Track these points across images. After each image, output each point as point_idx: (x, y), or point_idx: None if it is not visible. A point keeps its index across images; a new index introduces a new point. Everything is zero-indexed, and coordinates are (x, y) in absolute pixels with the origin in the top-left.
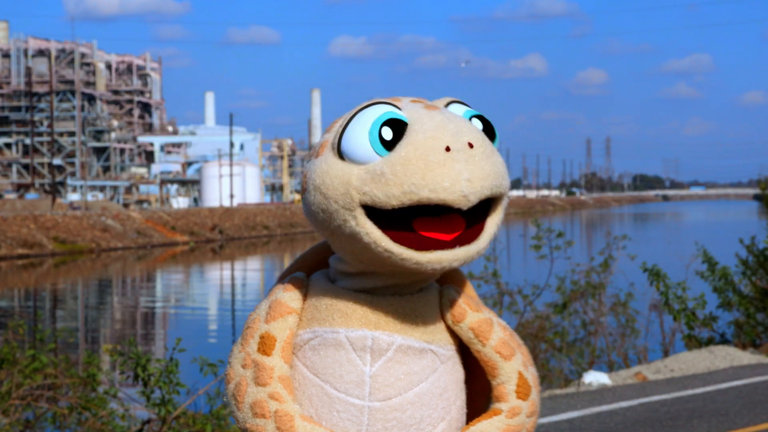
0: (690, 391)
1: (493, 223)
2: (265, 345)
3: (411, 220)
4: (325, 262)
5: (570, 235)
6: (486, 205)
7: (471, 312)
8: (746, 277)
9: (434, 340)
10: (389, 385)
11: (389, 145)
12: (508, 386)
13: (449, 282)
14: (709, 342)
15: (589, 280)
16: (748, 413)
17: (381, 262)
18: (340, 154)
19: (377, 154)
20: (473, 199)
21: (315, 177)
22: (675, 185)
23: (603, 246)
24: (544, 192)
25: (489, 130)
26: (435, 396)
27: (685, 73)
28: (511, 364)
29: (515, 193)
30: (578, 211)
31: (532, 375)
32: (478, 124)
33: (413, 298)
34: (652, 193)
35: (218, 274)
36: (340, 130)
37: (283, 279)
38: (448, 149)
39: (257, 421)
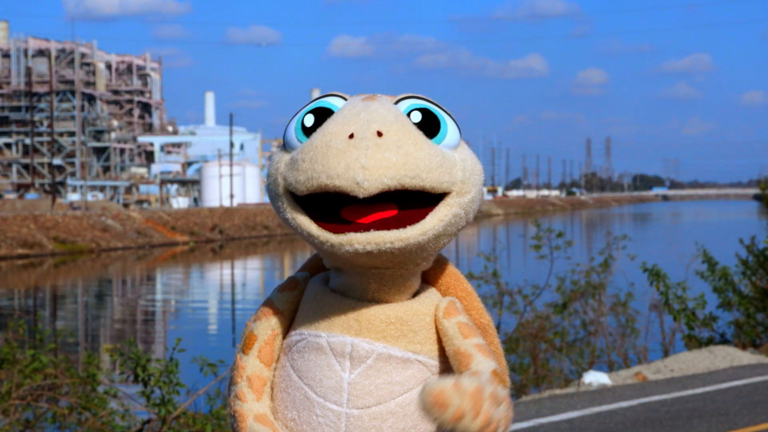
0: (690, 391)
1: (434, 216)
2: (246, 344)
3: (340, 208)
4: None
5: (570, 235)
6: (436, 201)
7: (463, 317)
8: (746, 277)
9: (422, 350)
10: (368, 393)
11: (311, 133)
12: (483, 370)
13: (456, 297)
14: (709, 342)
15: (589, 280)
16: (748, 413)
17: (316, 248)
18: (284, 144)
19: (299, 140)
20: (368, 187)
21: (267, 166)
22: (675, 185)
23: (603, 246)
24: (544, 192)
25: (434, 125)
26: None
27: (685, 73)
28: (488, 361)
29: (515, 193)
30: (578, 211)
31: (505, 391)
32: (416, 117)
33: (402, 306)
34: (652, 192)
35: (218, 274)
36: (289, 121)
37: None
38: (351, 136)
39: (230, 418)
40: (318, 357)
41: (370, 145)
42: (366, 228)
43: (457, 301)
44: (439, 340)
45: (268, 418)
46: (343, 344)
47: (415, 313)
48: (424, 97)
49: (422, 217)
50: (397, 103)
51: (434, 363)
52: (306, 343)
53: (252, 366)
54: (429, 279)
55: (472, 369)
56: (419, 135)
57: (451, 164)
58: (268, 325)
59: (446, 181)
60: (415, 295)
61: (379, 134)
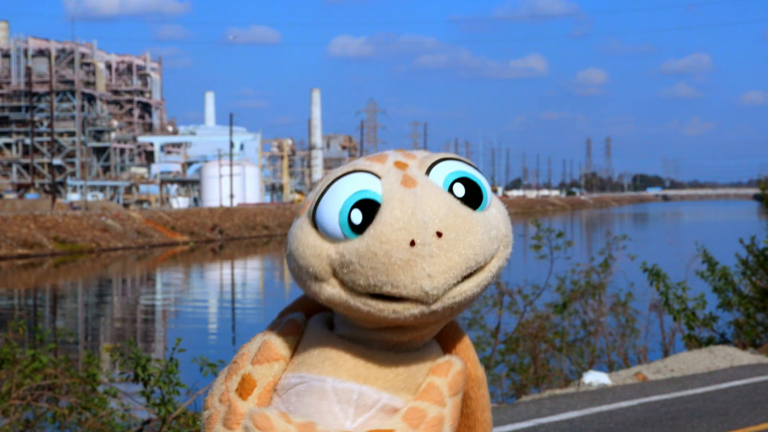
0: (690, 391)
1: (471, 283)
2: (244, 387)
3: None
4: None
5: (570, 235)
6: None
7: (444, 380)
8: (746, 277)
9: None
10: None
11: (360, 228)
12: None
13: (455, 349)
14: (709, 342)
15: (589, 280)
16: (748, 413)
17: (360, 317)
18: (315, 224)
19: (346, 236)
20: (437, 293)
21: (292, 241)
22: (675, 185)
23: (603, 246)
24: (544, 192)
25: (476, 194)
26: None
27: (685, 73)
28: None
29: (515, 193)
30: (578, 211)
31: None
32: (460, 190)
33: (410, 356)
34: (652, 192)
35: (218, 274)
36: (316, 198)
37: (282, 316)
38: (413, 243)
39: None
40: (320, 402)
41: (434, 250)
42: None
43: (457, 362)
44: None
45: None
46: (350, 391)
47: (420, 366)
48: (453, 156)
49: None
50: (429, 171)
51: None
52: (307, 386)
53: None
54: None
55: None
56: (470, 215)
57: (495, 227)
58: (270, 372)
59: (494, 249)
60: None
61: (439, 235)
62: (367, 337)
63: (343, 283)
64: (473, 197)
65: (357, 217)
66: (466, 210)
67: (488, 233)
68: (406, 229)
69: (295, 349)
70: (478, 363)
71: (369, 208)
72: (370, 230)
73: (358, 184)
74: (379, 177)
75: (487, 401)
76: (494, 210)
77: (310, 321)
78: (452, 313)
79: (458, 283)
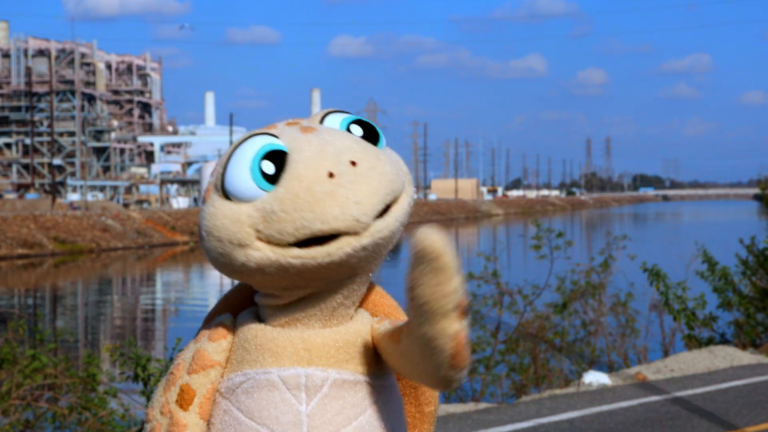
0: (690, 391)
1: (398, 207)
2: (184, 398)
3: None
4: (250, 299)
5: (570, 235)
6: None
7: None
8: (746, 277)
9: (368, 371)
10: (327, 422)
11: (273, 179)
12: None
13: (384, 312)
14: (709, 342)
15: (589, 280)
16: (748, 413)
17: (297, 274)
18: (226, 194)
19: (262, 189)
20: (367, 220)
21: (205, 222)
22: (675, 185)
23: (603, 246)
24: (544, 192)
25: (373, 134)
26: (376, 427)
27: (685, 73)
28: None
29: (515, 193)
30: (578, 211)
31: None
32: (357, 131)
33: (344, 329)
34: (652, 193)
35: (218, 274)
36: (221, 169)
37: (209, 322)
38: (331, 175)
39: None
40: (270, 394)
41: (352, 178)
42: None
43: (385, 318)
44: (379, 358)
45: None
46: (296, 376)
47: (357, 334)
48: (339, 109)
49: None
50: (322, 122)
51: (380, 382)
52: (254, 382)
53: (194, 424)
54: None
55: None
56: (375, 149)
57: (397, 163)
58: (207, 379)
59: (402, 182)
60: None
61: (353, 163)
62: (299, 319)
63: (270, 241)
64: (371, 138)
65: (269, 167)
66: (371, 144)
67: (394, 166)
68: (320, 164)
69: (230, 350)
70: None
71: (277, 159)
72: (285, 175)
73: (260, 142)
74: (276, 137)
75: None
76: (389, 151)
77: (238, 319)
78: (377, 254)
79: (380, 216)
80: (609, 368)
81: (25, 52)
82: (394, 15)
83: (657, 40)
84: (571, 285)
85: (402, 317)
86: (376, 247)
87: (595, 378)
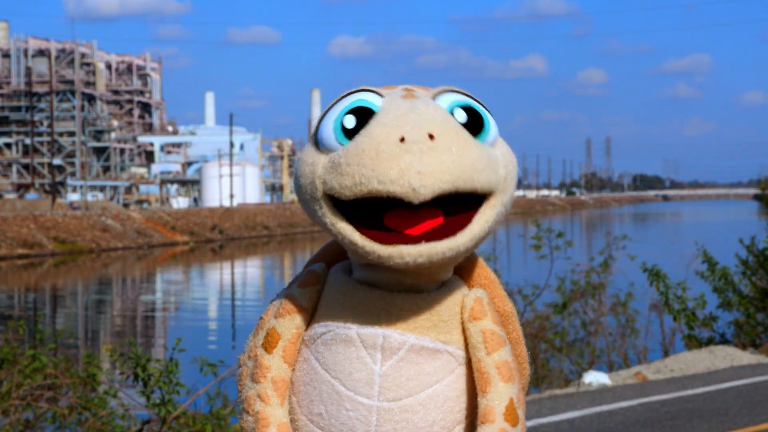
0: (690, 391)
1: (480, 219)
2: (269, 341)
3: (383, 213)
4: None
5: (570, 235)
6: (478, 201)
7: (489, 319)
8: (746, 277)
9: (451, 340)
10: (399, 386)
11: (352, 134)
12: (497, 407)
13: (480, 285)
14: (709, 342)
15: (589, 280)
16: (748, 413)
17: (356, 254)
18: (317, 143)
19: (339, 143)
20: (425, 193)
21: (297, 166)
22: (675, 185)
23: (603, 246)
24: (544, 192)
25: (478, 123)
26: (450, 399)
27: (685, 73)
28: (507, 387)
29: (515, 193)
30: (578, 211)
31: (522, 406)
32: (461, 116)
33: (431, 295)
34: (652, 193)
35: (218, 274)
36: (321, 117)
37: (305, 269)
38: (402, 140)
39: (244, 415)
40: (347, 349)
41: (424, 149)
42: (416, 239)
43: (484, 296)
44: (463, 329)
45: (289, 428)
46: (374, 336)
47: (444, 303)
48: (462, 90)
49: (467, 221)
50: (435, 97)
51: (461, 353)
52: (333, 335)
53: (277, 367)
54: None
55: (487, 400)
56: (468, 136)
57: (496, 163)
58: (293, 324)
59: (493, 181)
60: (442, 282)
61: (431, 137)
62: (386, 280)
63: (331, 195)
64: (474, 127)
65: (350, 121)
66: (464, 130)
67: (486, 161)
68: (397, 126)
69: (318, 299)
70: (506, 298)
71: (364, 115)
72: (362, 131)
73: (358, 97)
74: (382, 96)
75: (520, 334)
76: (498, 152)
77: (332, 270)
78: (456, 259)
79: (449, 201)
80: (609, 368)
81: (25, 52)
82: (394, 15)
83: (657, 40)
84: (571, 285)
85: (498, 291)
86: (434, 258)
87: (595, 378)
